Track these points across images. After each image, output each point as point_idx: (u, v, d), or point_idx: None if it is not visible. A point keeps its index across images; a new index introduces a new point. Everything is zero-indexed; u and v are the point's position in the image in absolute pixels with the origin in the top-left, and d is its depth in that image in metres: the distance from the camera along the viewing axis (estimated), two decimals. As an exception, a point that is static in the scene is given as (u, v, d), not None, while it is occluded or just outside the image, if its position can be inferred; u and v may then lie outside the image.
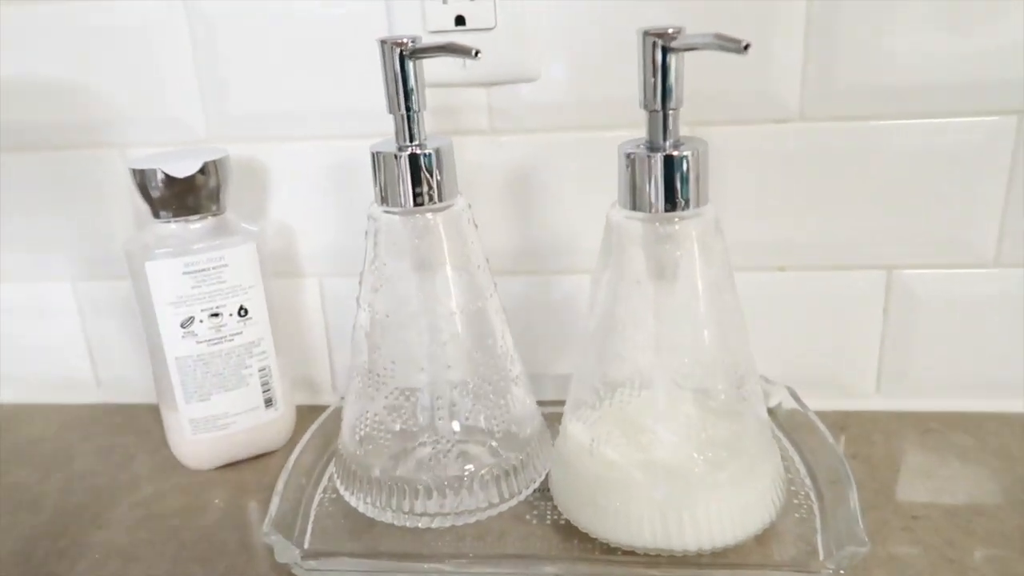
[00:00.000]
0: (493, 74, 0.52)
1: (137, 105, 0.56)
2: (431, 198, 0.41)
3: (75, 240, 0.60)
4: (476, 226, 0.44)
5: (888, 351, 0.55)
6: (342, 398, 0.57)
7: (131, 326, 0.61)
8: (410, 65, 0.40)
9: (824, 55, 0.49)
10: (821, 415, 0.50)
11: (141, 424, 0.60)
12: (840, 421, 0.54)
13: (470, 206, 0.43)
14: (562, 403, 0.45)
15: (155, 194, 0.48)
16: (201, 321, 0.50)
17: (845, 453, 0.50)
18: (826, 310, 0.54)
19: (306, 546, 0.44)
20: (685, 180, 0.38)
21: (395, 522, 0.43)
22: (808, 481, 0.46)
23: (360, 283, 0.44)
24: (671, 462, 0.40)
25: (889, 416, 0.55)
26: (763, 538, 0.42)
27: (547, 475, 0.46)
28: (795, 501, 0.45)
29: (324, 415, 0.54)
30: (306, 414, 0.58)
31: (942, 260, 0.52)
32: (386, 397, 0.43)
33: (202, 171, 0.48)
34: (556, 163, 0.54)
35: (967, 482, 0.47)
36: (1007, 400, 0.54)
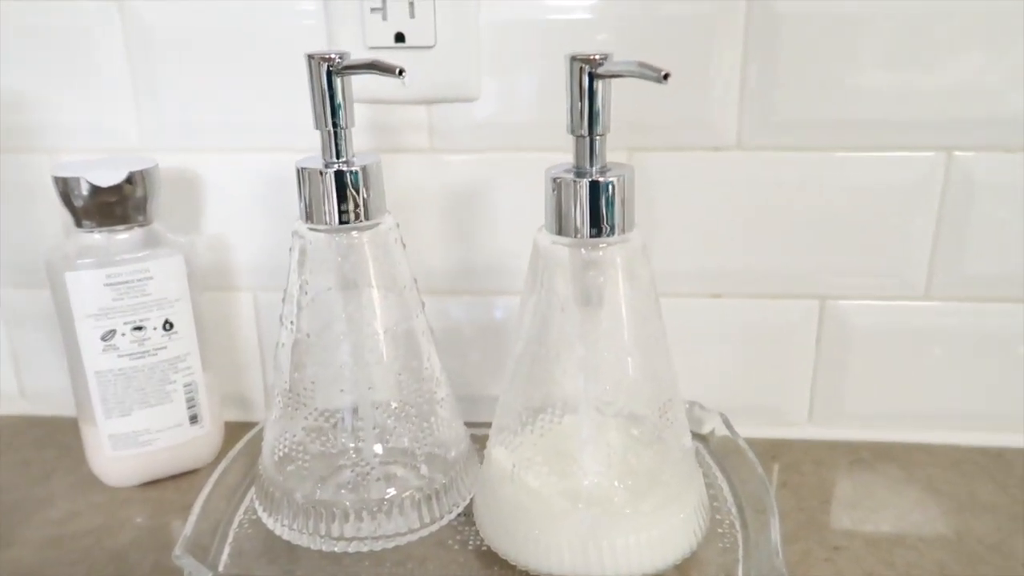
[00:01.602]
0: (433, 93, 0.51)
1: (68, 110, 0.54)
2: (357, 216, 0.40)
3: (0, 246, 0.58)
4: (404, 245, 0.43)
5: (820, 380, 0.55)
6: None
7: (58, 336, 0.59)
8: (338, 81, 0.39)
9: (763, 83, 0.49)
10: (753, 443, 0.50)
11: (64, 438, 0.58)
12: (772, 449, 0.54)
13: (398, 225, 0.43)
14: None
15: (78, 203, 0.47)
16: (123, 334, 0.48)
17: (775, 482, 0.50)
18: (760, 338, 0.55)
19: (221, 569, 0.43)
20: (611, 206, 0.38)
21: (313, 546, 0.42)
22: (734, 510, 0.46)
23: (283, 301, 0.43)
24: (592, 490, 0.40)
25: (820, 445, 0.55)
26: (684, 567, 0.41)
27: (471, 500, 0.45)
28: (719, 530, 0.44)
29: (251, 433, 0.53)
30: (236, 431, 0.57)
31: (875, 291, 0.53)
32: (306, 418, 0.42)
33: (128, 180, 0.47)
34: (495, 184, 0.53)
35: (891, 513, 0.48)
36: (936, 432, 0.55)
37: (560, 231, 0.39)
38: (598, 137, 0.38)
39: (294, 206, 0.54)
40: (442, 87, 0.51)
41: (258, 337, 0.59)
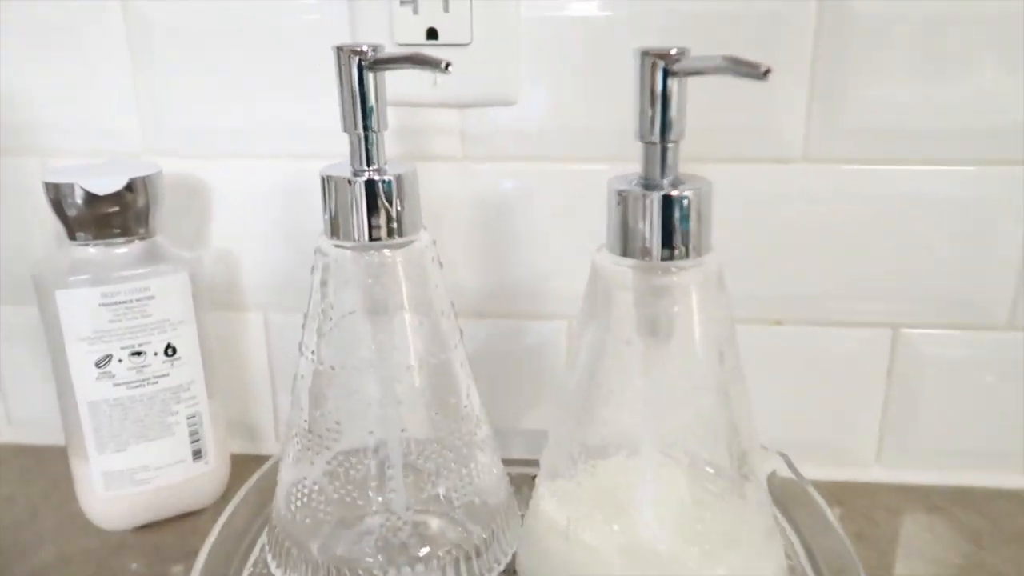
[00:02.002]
0: (467, 95, 0.46)
1: (64, 110, 0.49)
2: (390, 232, 0.35)
3: (-14, 259, 0.53)
4: (441, 265, 0.38)
5: (891, 417, 0.50)
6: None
7: (48, 357, 0.54)
8: (370, 78, 0.34)
9: (833, 92, 0.44)
10: (816, 485, 0.44)
11: (53, 470, 0.53)
12: (836, 493, 0.49)
13: (435, 242, 0.37)
14: (532, 463, 0.40)
15: (72, 212, 0.42)
16: (120, 360, 0.43)
17: (845, 531, 0.45)
18: (825, 369, 0.49)
19: (228, 632, 0.37)
20: (686, 224, 0.33)
21: (333, 609, 0.37)
22: (809, 570, 0.41)
23: (303, 327, 0.38)
24: (659, 551, 0.35)
25: (890, 489, 0.50)
26: (760, 640, 0.36)
27: (513, 556, 0.40)
28: (796, 593, 0.39)
29: (263, 468, 0.48)
30: (244, 465, 0.52)
31: (952, 320, 0.48)
32: (328, 462, 0.36)
33: (129, 188, 0.42)
34: (533, 196, 0.48)
35: (984, 573, 0.42)
36: (1017, 476, 0.50)
37: (625, 252, 0.34)
38: (671, 145, 0.33)
39: (310, 218, 0.49)
40: (477, 89, 0.46)
41: (268, 361, 0.54)
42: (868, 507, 0.48)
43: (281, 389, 0.54)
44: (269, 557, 0.39)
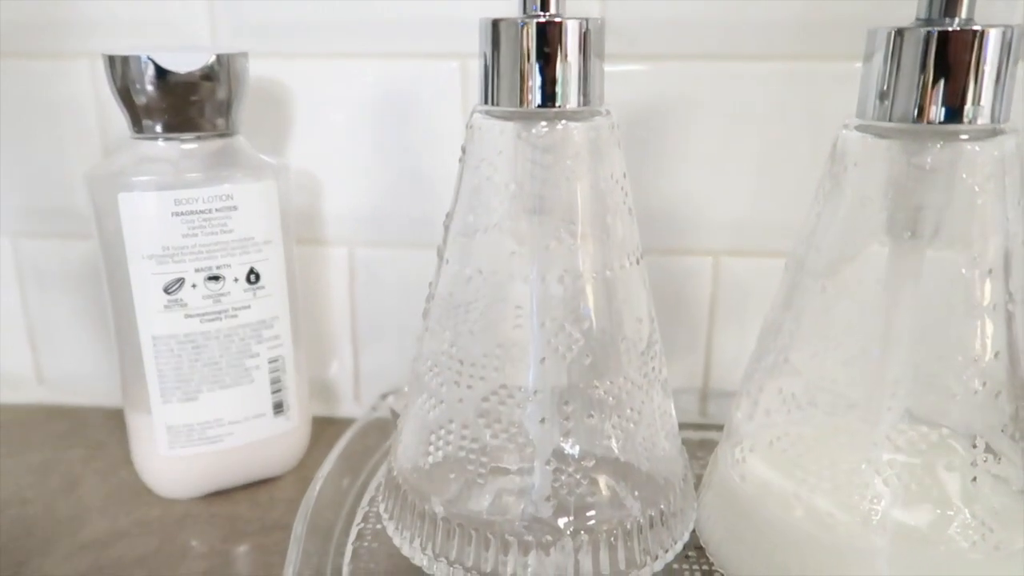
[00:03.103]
0: (612, -26, 0.38)
1: (114, 2, 0.41)
2: (569, 99, 0.27)
3: (16, 183, 0.45)
4: (623, 152, 0.30)
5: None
6: (372, 408, 0.42)
7: (88, 302, 0.46)
8: None
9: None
10: None
11: (94, 434, 0.45)
12: None
13: (619, 124, 0.29)
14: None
15: (140, 98, 0.33)
16: (194, 286, 0.35)
17: None
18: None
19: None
20: (982, 77, 0.25)
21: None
22: None
23: (446, 227, 0.29)
24: (918, 526, 0.26)
25: None
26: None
27: (691, 536, 0.31)
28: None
29: (351, 431, 0.40)
30: (320, 430, 0.43)
31: None
32: (484, 399, 0.28)
33: (208, 73, 0.34)
34: (686, 103, 0.40)
35: None
36: None
37: (883, 114, 0.26)
38: (965, -29, 0.25)
39: (410, 133, 0.42)
40: (624, -32, 0.38)
41: (351, 307, 0.45)
42: None
43: (365, 343, 0.46)
44: (391, 527, 0.30)
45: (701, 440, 0.41)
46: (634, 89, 0.40)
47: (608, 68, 0.39)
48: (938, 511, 0.26)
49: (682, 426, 0.42)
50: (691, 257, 0.42)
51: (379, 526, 0.34)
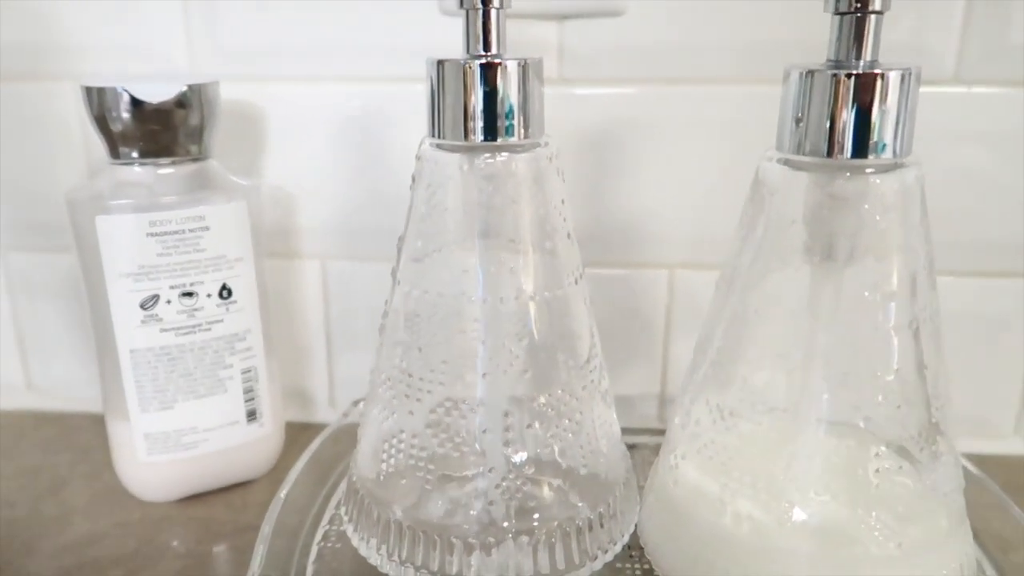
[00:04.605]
0: (567, 3, 0.40)
1: (99, 28, 0.43)
2: (510, 132, 0.29)
3: (6, 199, 0.47)
4: (564, 181, 0.32)
5: (1042, 381, 0.44)
6: (344, 415, 0.45)
7: (75, 313, 0.48)
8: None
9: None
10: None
11: (81, 439, 0.47)
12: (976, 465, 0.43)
13: (558, 154, 0.31)
14: (631, 432, 0.33)
15: (116, 126, 0.36)
16: (169, 302, 0.37)
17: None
18: (966, 329, 0.43)
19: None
20: (884, 114, 0.27)
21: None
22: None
23: (399, 250, 0.31)
24: (832, 528, 0.28)
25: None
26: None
27: (632, 535, 0.33)
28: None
29: (322, 436, 0.42)
30: (294, 434, 0.46)
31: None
32: (431, 411, 0.30)
33: (181, 101, 0.36)
34: (642, 125, 0.42)
35: None
36: None
37: (799, 148, 0.28)
38: (872, 16, 0.27)
39: (378, 151, 0.44)
40: (579, -2, 0.40)
41: (325, 316, 0.47)
42: (1013, 481, 0.42)
43: (339, 350, 0.48)
44: (350, 529, 0.33)
45: (657, 444, 0.43)
46: (593, 112, 0.42)
47: (568, 92, 0.41)
48: (849, 513, 0.28)
49: (641, 431, 0.44)
50: (648, 270, 0.44)
51: (343, 528, 0.36)
